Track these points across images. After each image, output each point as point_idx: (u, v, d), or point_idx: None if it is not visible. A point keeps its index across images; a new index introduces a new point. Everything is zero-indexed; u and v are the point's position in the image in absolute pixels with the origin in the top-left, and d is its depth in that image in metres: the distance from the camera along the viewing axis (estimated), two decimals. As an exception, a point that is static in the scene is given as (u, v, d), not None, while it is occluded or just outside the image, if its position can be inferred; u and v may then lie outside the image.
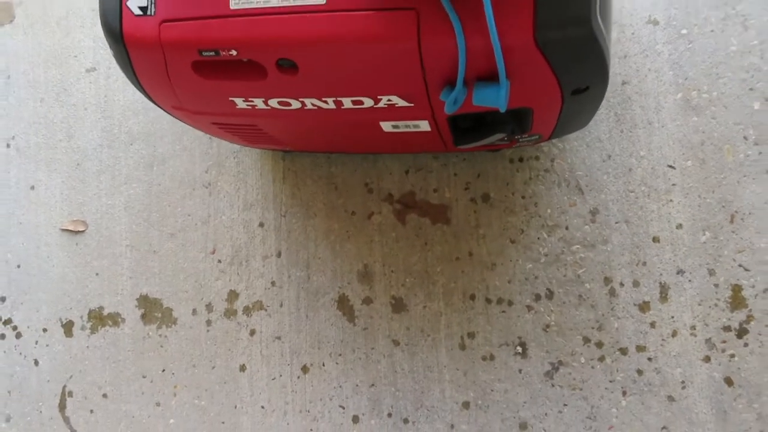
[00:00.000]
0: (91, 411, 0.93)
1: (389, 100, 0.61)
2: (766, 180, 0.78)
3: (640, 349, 0.80)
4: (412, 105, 0.61)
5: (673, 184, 0.80)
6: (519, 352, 0.82)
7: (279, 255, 0.90)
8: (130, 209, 0.96)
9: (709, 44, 0.80)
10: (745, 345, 0.77)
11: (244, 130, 0.74)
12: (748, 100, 0.79)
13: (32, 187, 0.99)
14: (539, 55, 0.53)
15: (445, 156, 0.87)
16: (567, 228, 0.83)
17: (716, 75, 0.80)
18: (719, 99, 0.80)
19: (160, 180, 0.95)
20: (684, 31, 0.81)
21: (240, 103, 0.63)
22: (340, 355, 0.87)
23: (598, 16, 0.52)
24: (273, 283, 0.90)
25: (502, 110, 0.56)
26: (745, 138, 0.79)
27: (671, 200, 0.80)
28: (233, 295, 0.91)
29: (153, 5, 0.56)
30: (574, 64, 0.55)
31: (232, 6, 0.54)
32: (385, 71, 0.57)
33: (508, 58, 0.53)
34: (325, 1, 0.53)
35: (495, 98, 0.55)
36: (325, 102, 0.62)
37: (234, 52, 0.56)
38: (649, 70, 0.82)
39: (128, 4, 0.57)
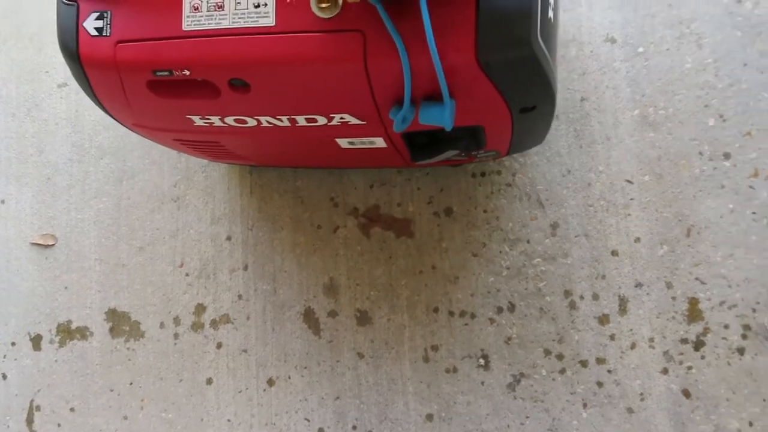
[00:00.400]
0: (59, 425, 0.93)
1: (342, 118, 0.62)
2: (721, 195, 0.79)
3: (600, 361, 0.81)
4: (365, 123, 0.62)
5: (631, 199, 0.82)
6: (481, 365, 0.83)
7: (246, 268, 0.91)
8: (99, 223, 0.96)
9: (665, 62, 0.82)
10: (702, 357, 0.78)
11: (206, 147, 0.75)
12: (703, 116, 0.81)
13: (2, 201, 1.00)
14: (482, 75, 0.54)
15: (408, 170, 0.88)
16: (528, 242, 0.84)
17: (672, 92, 0.82)
18: (675, 115, 0.82)
19: (129, 194, 0.96)
20: (641, 49, 0.83)
21: (197, 120, 0.64)
22: (305, 367, 0.87)
23: (539, 38, 0.53)
24: (240, 297, 0.90)
25: (448, 129, 0.57)
26: (701, 153, 0.80)
27: (629, 214, 0.82)
28: (200, 309, 0.91)
29: (108, 26, 0.57)
30: (517, 83, 0.57)
31: (185, 27, 0.56)
32: (334, 91, 0.58)
33: (451, 78, 0.54)
34: (274, 23, 0.54)
35: (440, 117, 0.56)
36: (280, 120, 0.63)
37: (187, 72, 0.57)
38: (607, 86, 0.84)
39: (85, 24, 0.58)
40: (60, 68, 1.01)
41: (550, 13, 0.56)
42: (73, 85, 1.00)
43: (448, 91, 0.54)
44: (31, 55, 1.03)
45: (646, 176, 0.82)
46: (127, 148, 0.97)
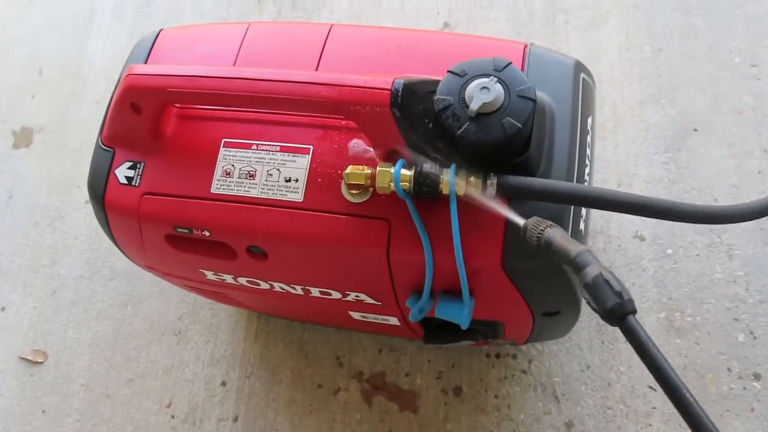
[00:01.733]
0: None
1: (357, 296, 0.60)
2: (751, 419, 0.74)
3: None
4: (380, 304, 0.60)
5: (653, 408, 0.76)
6: None
7: (235, 420, 0.85)
8: (94, 346, 0.93)
9: (694, 268, 0.80)
10: None
11: (215, 295, 0.73)
12: (733, 330, 0.77)
13: (3, 309, 0.97)
14: (507, 280, 0.52)
15: (420, 340, 0.84)
16: (538, 438, 0.78)
17: (700, 300, 0.79)
18: (703, 324, 0.78)
19: (131, 320, 0.93)
20: (669, 251, 0.82)
21: (209, 274, 0.63)
22: None
23: (570, 250, 0.52)
24: (223, 451, 0.84)
25: (464, 327, 0.55)
26: (729, 370, 0.76)
27: (650, 425, 0.76)
28: (179, 458, 0.85)
29: (139, 177, 0.58)
30: (543, 291, 0.55)
31: (213, 190, 0.55)
32: (353, 272, 0.56)
33: (474, 279, 0.52)
34: (302, 200, 0.54)
35: (458, 315, 0.54)
36: (293, 288, 0.61)
37: (207, 233, 0.56)
38: (633, 284, 0.81)
39: (116, 172, 0.58)
40: (92, 184, 1.03)
41: (581, 225, 0.55)
42: (101, 202, 1.01)
43: (468, 292, 0.52)
44: (68, 167, 1.06)
45: (670, 385, 0.77)
46: (138, 273, 0.95)
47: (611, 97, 0.92)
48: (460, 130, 0.46)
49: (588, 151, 0.56)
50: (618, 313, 0.37)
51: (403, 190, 0.48)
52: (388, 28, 0.61)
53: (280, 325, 0.89)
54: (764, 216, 0.49)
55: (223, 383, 0.87)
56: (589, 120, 0.57)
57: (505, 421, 0.79)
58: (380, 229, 0.52)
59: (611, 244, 0.83)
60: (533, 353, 0.82)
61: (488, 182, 0.47)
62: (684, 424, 0.76)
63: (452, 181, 0.47)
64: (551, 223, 0.44)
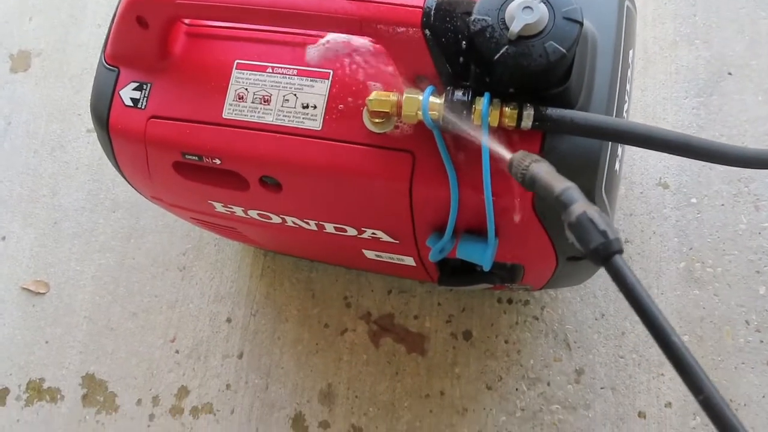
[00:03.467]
0: (5, 493, 0.85)
1: (374, 234, 0.57)
2: (766, 372, 0.72)
3: None
4: (398, 242, 0.58)
5: (666, 358, 0.75)
6: None
7: (240, 356, 0.84)
8: (97, 279, 0.91)
9: (718, 218, 0.77)
10: None
11: (223, 229, 0.71)
12: (754, 283, 0.75)
13: (3, 238, 0.95)
14: (536, 221, 0.49)
15: (431, 282, 0.82)
16: (549, 384, 0.77)
17: (723, 251, 0.76)
18: (723, 276, 0.76)
19: (134, 254, 0.91)
20: (693, 200, 0.79)
21: (219, 206, 0.60)
22: (283, 480, 0.79)
23: (603, 192, 0.49)
24: (228, 386, 0.83)
25: (486, 269, 0.52)
26: (747, 322, 0.74)
27: (663, 374, 0.75)
28: (183, 392, 0.84)
29: (145, 99, 0.54)
30: (572, 234, 0.52)
31: (225, 115, 0.52)
32: (372, 207, 0.53)
33: (502, 218, 0.49)
34: (321, 128, 0.50)
35: (480, 256, 0.51)
36: (307, 223, 0.58)
37: (218, 161, 0.53)
38: (653, 232, 0.79)
39: (121, 93, 0.55)
40: (93, 113, 0.99)
41: (617, 166, 0.52)
42: (103, 131, 0.97)
43: (494, 232, 0.49)
44: (68, 95, 1.01)
45: (685, 336, 0.75)
46: (142, 206, 0.92)
47: (642, 36, 0.87)
48: (498, 54, 0.42)
49: (628, 87, 0.52)
50: (603, 253, 0.34)
51: (432, 119, 0.45)
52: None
53: (287, 264, 0.87)
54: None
55: (229, 320, 0.86)
56: (631, 53, 0.53)
57: (515, 366, 0.78)
58: (403, 162, 0.49)
59: (633, 190, 0.80)
60: (546, 300, 0.80)
61: (524, 113, 0.43)
62: (697, 375, 0.74)
63: (485, 110, 0.43)
64: (538, 157, 0.40)
